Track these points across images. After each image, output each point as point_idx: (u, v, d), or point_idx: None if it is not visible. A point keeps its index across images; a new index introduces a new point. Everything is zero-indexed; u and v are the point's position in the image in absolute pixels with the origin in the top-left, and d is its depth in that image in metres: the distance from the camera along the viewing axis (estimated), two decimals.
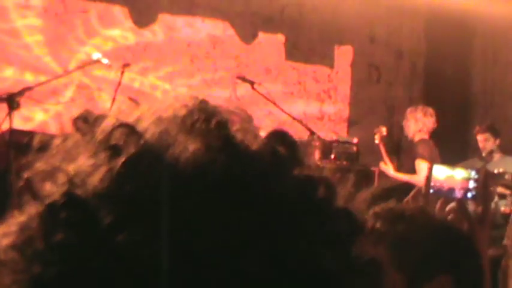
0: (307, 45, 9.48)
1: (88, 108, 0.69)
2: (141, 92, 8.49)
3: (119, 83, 6.66)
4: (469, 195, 4.25)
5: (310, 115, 9.35)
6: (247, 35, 9.19)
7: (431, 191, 4.82)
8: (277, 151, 0.69)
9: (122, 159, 0.64)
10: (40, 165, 0.67)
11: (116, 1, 8.50)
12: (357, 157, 8.34)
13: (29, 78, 7.94)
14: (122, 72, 6.69)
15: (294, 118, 7.14)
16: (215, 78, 8.95)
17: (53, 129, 7.92)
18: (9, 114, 5.16)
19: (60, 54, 8.28)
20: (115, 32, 8.56)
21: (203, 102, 0.70)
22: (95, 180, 0.66)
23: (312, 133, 7.15)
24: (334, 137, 8.43)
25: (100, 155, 0.66)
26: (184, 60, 8.88)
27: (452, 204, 2.01)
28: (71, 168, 0.66)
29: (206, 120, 0.67)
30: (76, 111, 0.73)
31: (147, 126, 0.67)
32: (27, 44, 8.16)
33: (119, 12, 8.56)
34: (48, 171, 0.67)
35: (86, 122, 0.69)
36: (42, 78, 7.48)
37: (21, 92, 5.46)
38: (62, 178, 0.66)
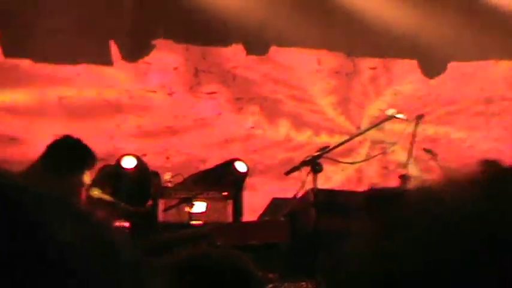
0: None
1: None
2: (435, 141, 8.37)
3: (414, 135, 6.60)
4: None
5: None
6: None
7: None
8: None
9: None
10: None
11: (404, 55, 8.51)
12: None
13: (324, 139, 8.14)
14: (416, 124, 6.62)
15: None
16: None
17: (351, 186, 8.02)
18: (314, 177, 5.34)
19: (352, 113, 8.42)
20: (405, 86, 8.56)
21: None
22: None
23: None
24: None
25: None
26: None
27: None
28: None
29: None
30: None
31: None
32: (321, 106, 8.39)
33: (407, 65, 8.56)
34: None
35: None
36: (337, 138, 7.63)
37: (321, 155, 5.61)
38: None
